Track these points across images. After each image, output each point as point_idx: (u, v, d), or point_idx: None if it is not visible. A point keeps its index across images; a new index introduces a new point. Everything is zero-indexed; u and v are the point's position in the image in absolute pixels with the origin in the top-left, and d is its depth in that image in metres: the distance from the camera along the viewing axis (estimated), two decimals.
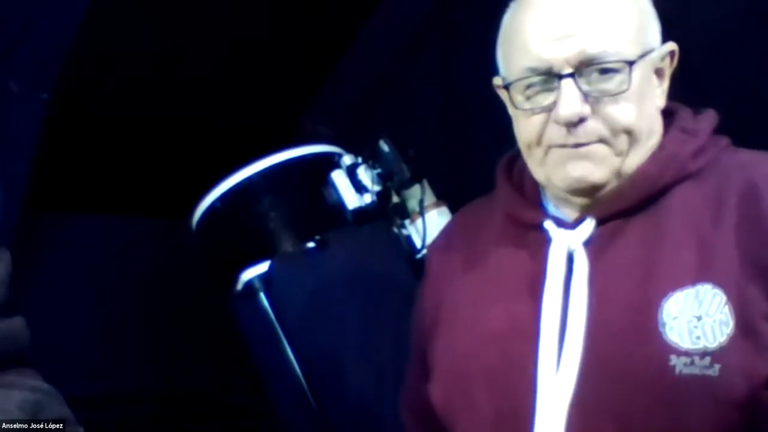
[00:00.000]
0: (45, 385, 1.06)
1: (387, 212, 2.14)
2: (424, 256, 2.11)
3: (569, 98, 1.17)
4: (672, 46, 1.26)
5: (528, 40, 1.20)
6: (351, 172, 2.13)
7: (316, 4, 2.70)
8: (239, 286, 2.08)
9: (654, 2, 1.28)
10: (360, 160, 2.15)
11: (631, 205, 1.22)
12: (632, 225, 1.21)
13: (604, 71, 1.18)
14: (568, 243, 1.23)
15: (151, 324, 2.73)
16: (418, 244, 2.12)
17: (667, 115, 1.29)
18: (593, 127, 1.18)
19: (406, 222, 2.16)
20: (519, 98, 1.23)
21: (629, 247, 1.20)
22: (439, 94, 2.84)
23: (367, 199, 2.10)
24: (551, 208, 1.29)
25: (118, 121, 2.53)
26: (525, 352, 1.20)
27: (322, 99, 3.03)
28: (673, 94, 1.29)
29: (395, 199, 2.16)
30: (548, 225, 1.26)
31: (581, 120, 1.18)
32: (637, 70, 1.19)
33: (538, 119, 1.21)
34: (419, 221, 2.12)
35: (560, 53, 1.17)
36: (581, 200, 1.24)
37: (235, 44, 2.61)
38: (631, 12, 1.21)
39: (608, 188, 1.22)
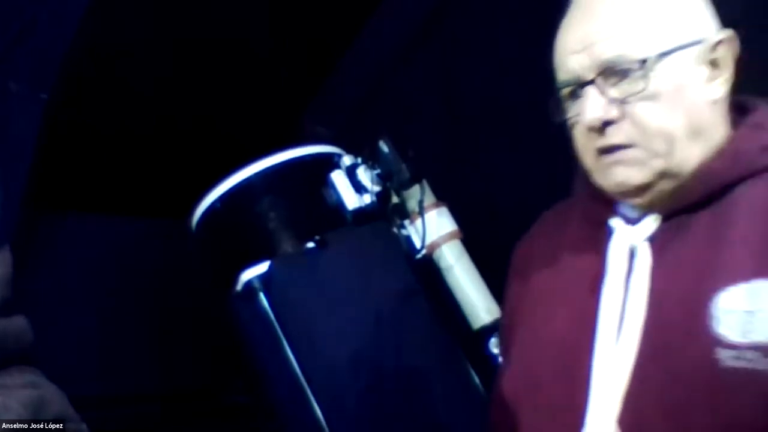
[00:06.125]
0: (48, 383, 1.06)
1: (387, 212, 2.15)
2: (423, 256, 2.12)
3: (591, 104, 1.21)
4: (723, 34, 1.25)
5: (560, 54, 1.26)
6: (351, 172, 2.13)
7: (316, 4, 2.70)
8: (239, 286, 2.08)
9: None
10: (360, 160, 2.15)
11: (696, 201, 1.22)
12: (697, 221, 1.22)
13: (625, 74, 1.20)
14: (630, 239, 1.25)
15: (151, 324, 2.72)
16: (418, 244, 2.12)
17: (744, 110, 1.28)
18: (623, 129, 1.21)
19: (406, 222, 2.16)
20: (566, 108, 1.27)
21: (692, 244, 1.20)
22: (439, 95, 2.84)
23: (367, 199, 2.10)
24: (622, 204, 1.31)
25: (118, 121, 2.53)
26: (584, 349, 1.22)
27: (322, 99, 3.03)
28: None
29: (395, 199, 2.16)
30: (614, 221, 1.28)
31: (609, 123, 1.21)
32: (664, 68, 1.20)
33: (581, 127, 1.25)
34: (419, 221, 2.13)
35: (583, 62, 1.22)
36: (636, 201, 1.26)
37: (236, 44, 2.61)
38: (650, 12, 1.22)
39: (665, 187, 1.23)
